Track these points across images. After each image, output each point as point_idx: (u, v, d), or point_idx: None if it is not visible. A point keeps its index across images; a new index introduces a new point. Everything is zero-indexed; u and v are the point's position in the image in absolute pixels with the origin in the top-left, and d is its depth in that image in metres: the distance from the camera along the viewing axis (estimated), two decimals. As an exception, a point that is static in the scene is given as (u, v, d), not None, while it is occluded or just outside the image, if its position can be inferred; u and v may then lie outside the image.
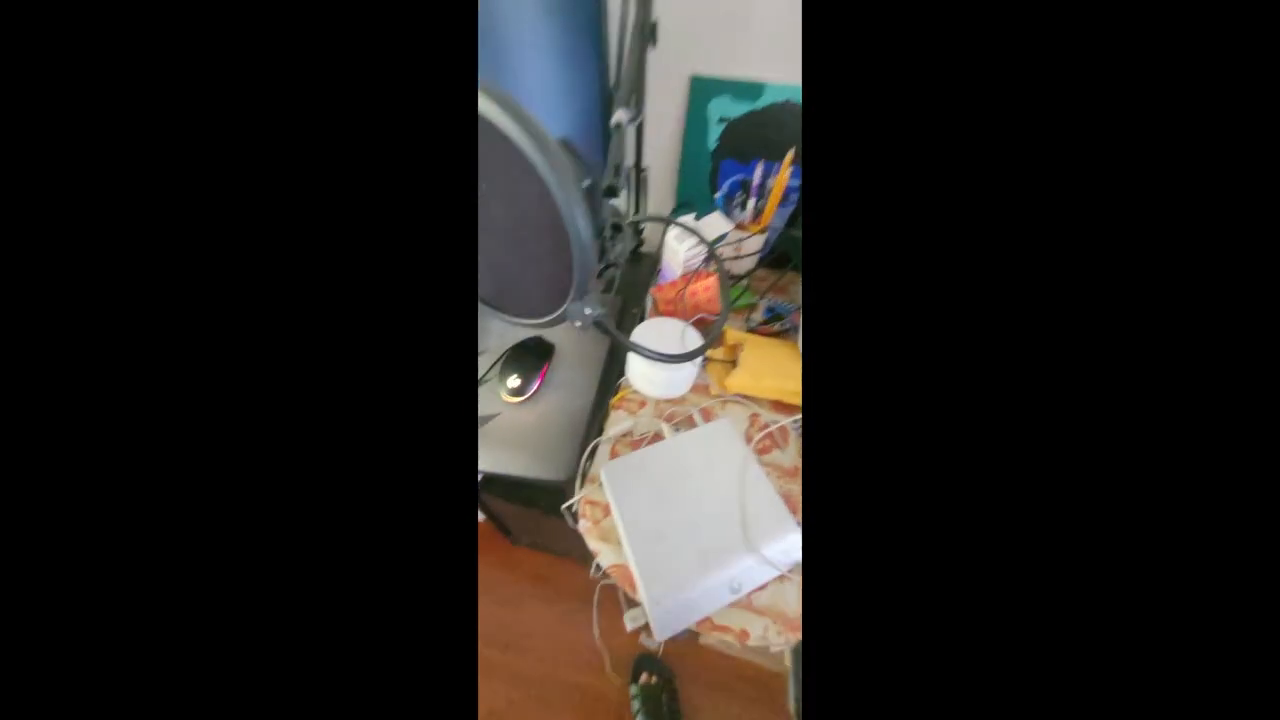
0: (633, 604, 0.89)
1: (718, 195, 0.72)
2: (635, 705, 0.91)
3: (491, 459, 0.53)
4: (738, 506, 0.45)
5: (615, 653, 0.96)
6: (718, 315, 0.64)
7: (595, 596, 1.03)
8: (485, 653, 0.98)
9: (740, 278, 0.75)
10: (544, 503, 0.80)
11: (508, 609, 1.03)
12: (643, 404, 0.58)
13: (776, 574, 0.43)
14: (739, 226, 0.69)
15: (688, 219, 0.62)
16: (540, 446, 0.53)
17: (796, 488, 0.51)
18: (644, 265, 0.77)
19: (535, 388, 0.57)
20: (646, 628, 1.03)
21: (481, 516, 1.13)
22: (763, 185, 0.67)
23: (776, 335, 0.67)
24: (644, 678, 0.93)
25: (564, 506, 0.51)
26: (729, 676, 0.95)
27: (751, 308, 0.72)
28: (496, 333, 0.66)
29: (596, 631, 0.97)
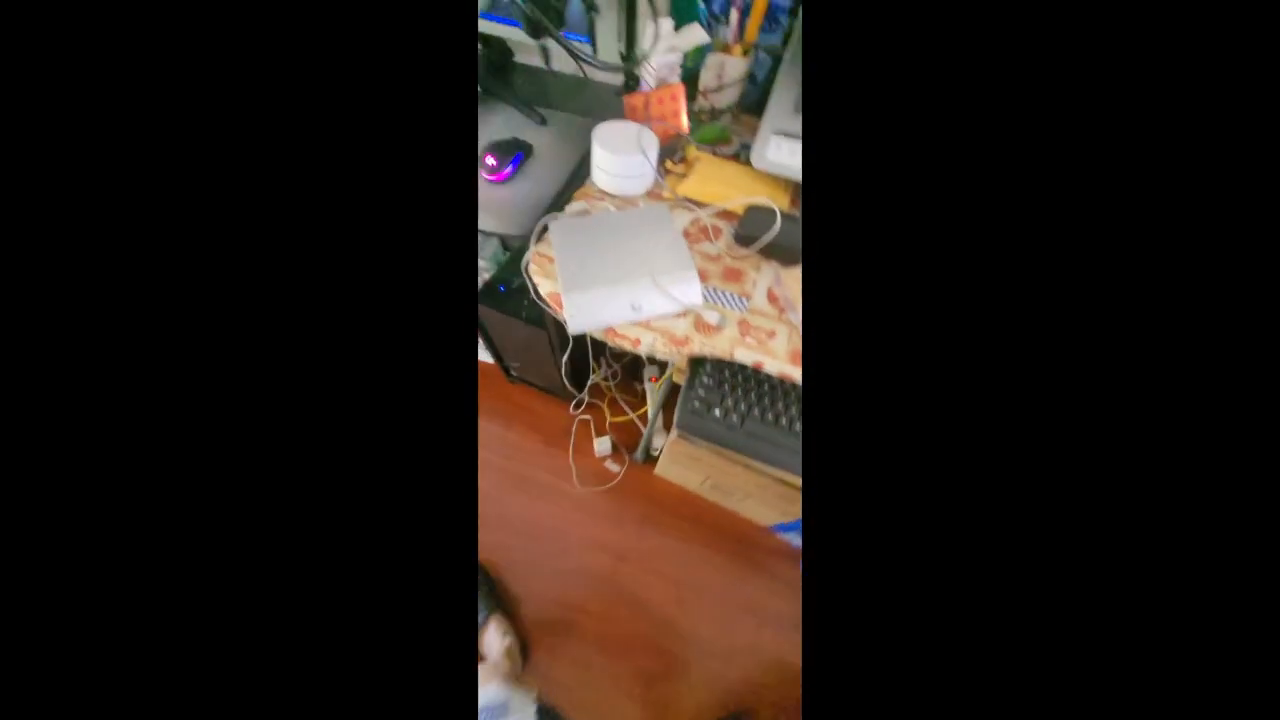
0: (600, 434, 1.04)
1: (703, 5, 0.74)
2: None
3: (466, 219, 0.65)
4: (653, 256, 0.55)
5: (581, 471, 1.13)
6: (683, 132, 0.71)
7: (573, 427, 1.19)
8: (480, 453, 1.18)
9: (720, 113, 0.80)
10: (524, 311, 0.93)
11: (499, 425, 1.21)
12: (600, 199, 0.67)
13: (674, 308, 0.54)
14: (725, 49, 0.73)
15: (666, 24, 0.66)
16: (506, 214, 0.64)
17: (713, 266, 0.60)
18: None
19: (509, 172, 0.67)
20: (610, 456, 1.18)
21: (485, 356, 1.29)
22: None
23: (734, 159, 0.73)
24: None
25: (523, 264, 0.62)
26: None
27: (723, 141, 0.77)
28: (486, 135, 0.75)
29: (571, 451, 1.14)
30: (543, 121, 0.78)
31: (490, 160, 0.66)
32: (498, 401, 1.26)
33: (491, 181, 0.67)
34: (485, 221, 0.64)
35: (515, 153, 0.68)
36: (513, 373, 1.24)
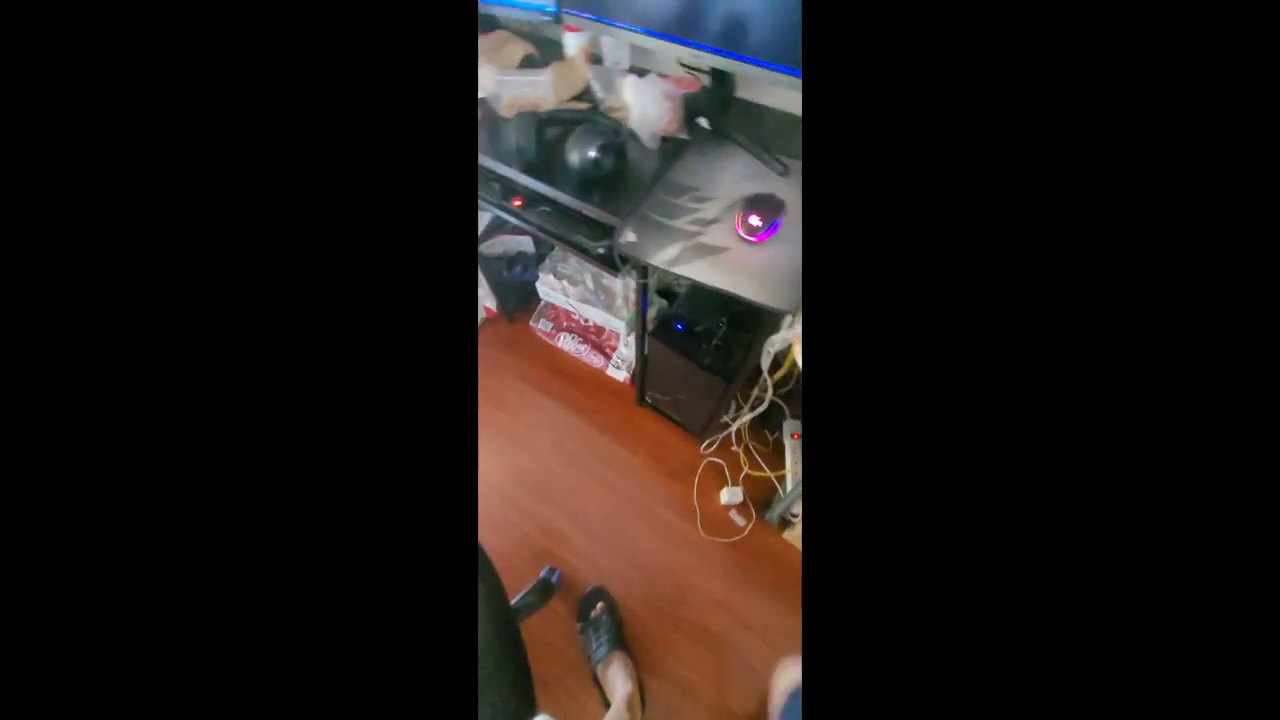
0: (732, 484, 0.99)
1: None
2: (581, 628, 0.94)
3: (723, 280, 0.61)
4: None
5: (704, 515, 1.09)
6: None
7: (701, 466, 1.15)
8: (592, 465, 1.16)
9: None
10: (706, 357, 0.89)
11: (625, 447, 1.19)
12: (859, 276, 0.61)
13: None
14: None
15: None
16: (767, 282, 0.60)
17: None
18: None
19: (769, 233, 0.63)
20: (739, 507, 1.12)
21: (621, 375, 1.27)
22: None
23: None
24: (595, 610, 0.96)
25: (772, 344, 0.58)
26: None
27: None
28: (723, 182, 0.71)
29: (695, 492, 1.10)
30: (784, 171, 0.73)
31: (755, 219, 0.62)
32: (625, 422, 1.24)
33: (749, 242, 0.63)
34: (744, 287, 0.60)
35: (777, 212, 0.64)
36: (648, 399, 1.22)
